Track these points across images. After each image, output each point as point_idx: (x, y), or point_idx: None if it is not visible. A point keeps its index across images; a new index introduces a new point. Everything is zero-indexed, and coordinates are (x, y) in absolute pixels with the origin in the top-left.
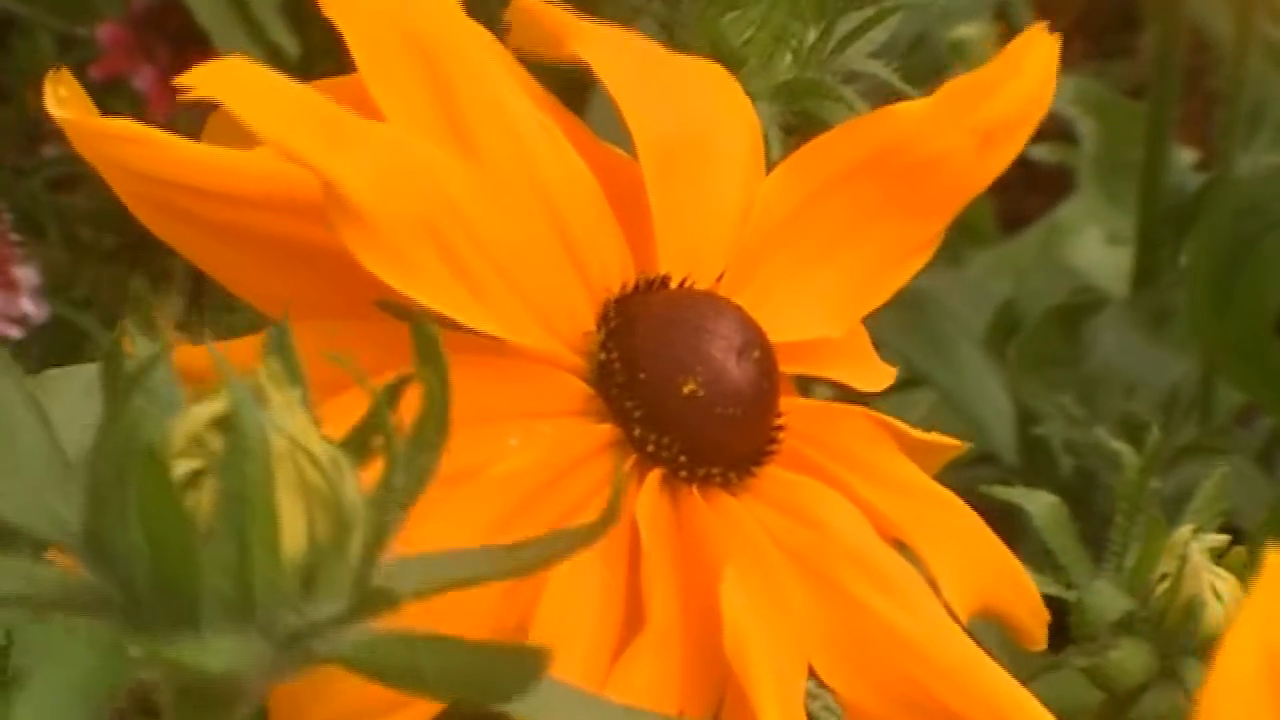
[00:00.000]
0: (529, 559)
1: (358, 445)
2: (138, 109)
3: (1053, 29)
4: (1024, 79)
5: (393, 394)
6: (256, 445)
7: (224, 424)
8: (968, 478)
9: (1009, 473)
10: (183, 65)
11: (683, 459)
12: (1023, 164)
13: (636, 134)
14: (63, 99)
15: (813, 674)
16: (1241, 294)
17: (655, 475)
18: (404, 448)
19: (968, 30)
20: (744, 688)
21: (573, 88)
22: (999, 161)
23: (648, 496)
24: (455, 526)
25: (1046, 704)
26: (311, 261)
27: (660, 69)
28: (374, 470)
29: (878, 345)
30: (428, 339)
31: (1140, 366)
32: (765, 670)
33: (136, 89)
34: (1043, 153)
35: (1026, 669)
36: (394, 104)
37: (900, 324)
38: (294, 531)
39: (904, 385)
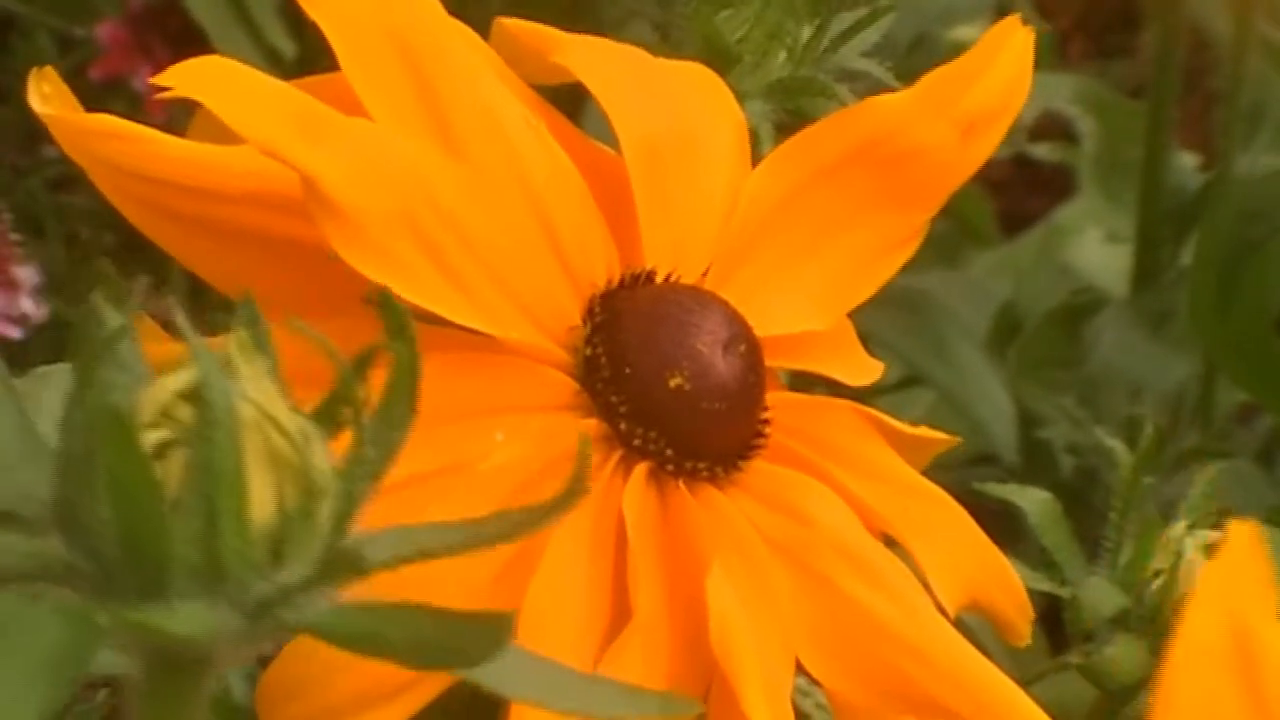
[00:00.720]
0: (493, 532)
1: (327, 418)
2: (136, 109)
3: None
4: (1001, 69)
5: (361, 366)
6: (224, 414)
7: (192, 395)
8: (967, 478)
9: (1009, 473)
10: None
11: (669, 453)
12: (1023, 164)
13: (620, 131)
14: (47, 95)
15: (805, 671)
16: (1243, 293)
17: (641, 469)
18: (372, 420)
19: (968, 30)
20: (730, 681)
21: (566, 100)
22: (981, 151)
23: (634, 490)
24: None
25: (1044, 702)
26: (296, 258)
27: (644, 70)
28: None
29: (879, 345)
30: (395, 313)
31: (1141, 366)
32: (751, 663)
33: (135, 89)
34: (1043, 152)
35: (1030, 671)
36: (378, 102)
37: (901, 325)
38: (262, 500)
39: (903, 385)
